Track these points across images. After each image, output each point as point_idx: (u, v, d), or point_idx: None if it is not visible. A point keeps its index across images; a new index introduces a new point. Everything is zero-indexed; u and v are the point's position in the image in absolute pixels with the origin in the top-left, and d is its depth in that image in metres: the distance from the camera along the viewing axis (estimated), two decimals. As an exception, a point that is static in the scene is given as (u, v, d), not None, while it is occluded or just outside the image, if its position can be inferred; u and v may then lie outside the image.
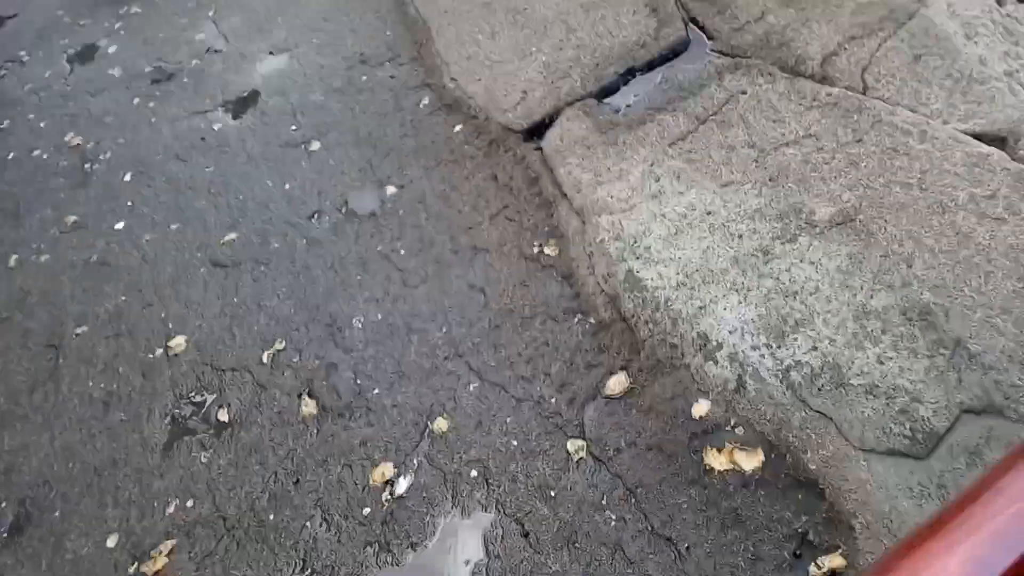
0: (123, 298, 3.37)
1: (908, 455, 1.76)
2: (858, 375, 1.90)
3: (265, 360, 2.81)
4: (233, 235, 3.40)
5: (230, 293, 3.14)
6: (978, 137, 2.25)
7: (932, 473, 1.73)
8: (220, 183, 3.73)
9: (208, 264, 3.32)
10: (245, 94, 4.27)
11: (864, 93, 2.47)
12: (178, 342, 3.05)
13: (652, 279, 2.35)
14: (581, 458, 2.14)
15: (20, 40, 5.71)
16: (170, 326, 3.14)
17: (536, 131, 3.09)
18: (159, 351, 3.06)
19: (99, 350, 3.10)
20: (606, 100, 3.02)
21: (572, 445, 2.17)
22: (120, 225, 3.78)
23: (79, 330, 3.21)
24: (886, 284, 2.02)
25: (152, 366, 3.01)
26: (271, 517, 2.34)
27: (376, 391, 2.53)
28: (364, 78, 3.90)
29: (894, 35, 2.55)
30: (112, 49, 5.30)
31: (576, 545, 1.98)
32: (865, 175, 2.26)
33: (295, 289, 3.01)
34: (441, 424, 2.35)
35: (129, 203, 3.89)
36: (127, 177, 4.07)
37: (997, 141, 2.25)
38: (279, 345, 2.83)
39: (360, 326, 2.76)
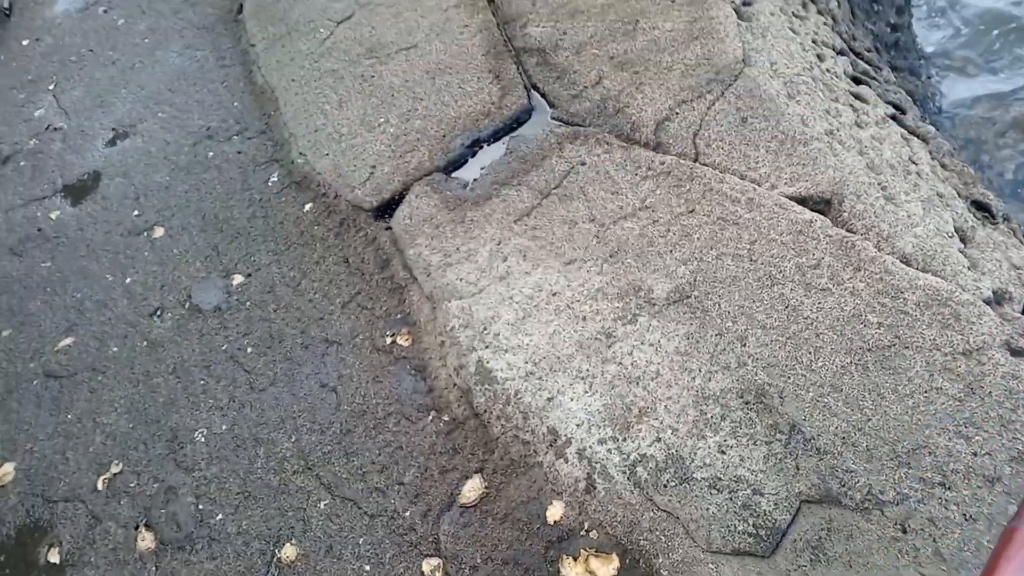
0: (-53, 421, 3.04)
1: (754, 554, 1.72)
2: (701, 467, 1.86)
3: (100, 487, 2.56)
4: (69, 340, 3.13)
5: (64, 409, 2.87)
6: (803, 201, 2.28)
7: (779, 573, 1.69)
8: (57, 280, 3.44)
9: (42, 376, 3.04)
10: (86, 177, 3.98)
11: (696, 160, 2.47)
12: (6, 471, 2.76)
13: (502, 369, 2.26)
14: (437, 576, 2.01)
15: None
16: (-1, 451, 2.84)
17: (386, 209, 2.98)
18: (-14, 482, 2.76)
19: (-89, 492, 2.77)
20: (454, 174, 2.93)
21: (427, 565, 2.04)
22: (-56, 335, 3.43)
23: None
24: (722, 365, 2.00)
25: (-22, 501, 2.71)
26: (106, 677, 2.11)
27: (220, 517, 2.33)
28: (211, 154, 3.69)
29: (721, 97, 2.57)
30: (-61, 130, 4.88)
31: None
32: (698, 247, 2.25)
33: (134, 400, 2.77)
34: (289, 552, 2.18)
35: (-45, 308, 3.54)
36: (-46, 278, 3.71)
37: (822, 204, 2.28)
38: (116, 468, 2.59)
39: (203, 440, 2.55)
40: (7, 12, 5.88)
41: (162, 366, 2.85)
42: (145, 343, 2.96)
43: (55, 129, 4.46)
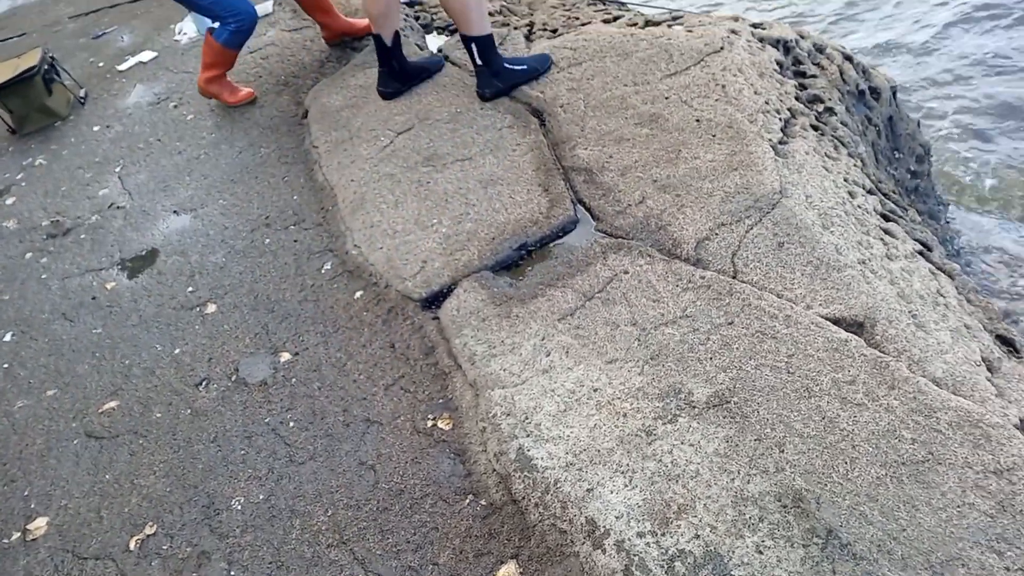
0: (-18, 474, 3.10)
1: (790, 655, 1.73)
2: (739, 565, 1.90)
3: (132, 547, 2.59)
4: (114, 403, 3.22)
5: (103, 469, 2.93)
6: (837, 322, 2.43)
7: (814, 674, 1.70)
8: (107, 346, 3.58)
9: (83, 436, 3.12)
10: (144, 253, 4.21)
11: (734, 277, 2.65)
12: (39, 525, 2.79)
13: (542, 458, 2.33)
14: (467, 661, 2.01)
15: (-91, 189, 5.52)
16: (32, 506, 2.89)
17: (434, 301, 3.14)
18: (16, 535, 2.79)
19: (-57, 538, 2.79)
20: (501, 273, 3.12)
21: (457, 646, 2.04)
22: (-10, 390, 3.54)
23: (-77, 515, 2.90)
24: (761, 469, 2.08)
25: (6, 554, 2.73)
26: None
27: (251, 585, 2.34)
28: (267, 241, 3.92)
29: (759, 223, 2.78)
30: (10, 201, 5.20)
31: None
32: (738, 357, 2.38)
33: (173, 466, 2.83)
34: (319, 623, 2.18)
35: (5, 366, 3.67)
36: (7, 337, 3.87)
37: (855, 326, 2.42)
38: (149, 530, 2.62)
39: (240, 508, 2.59)
40: (82, 101, 6.38)
41: (204, 434, 2.93)
42: (189, 411, 3.06)
43: (117, 207, 4.75)
